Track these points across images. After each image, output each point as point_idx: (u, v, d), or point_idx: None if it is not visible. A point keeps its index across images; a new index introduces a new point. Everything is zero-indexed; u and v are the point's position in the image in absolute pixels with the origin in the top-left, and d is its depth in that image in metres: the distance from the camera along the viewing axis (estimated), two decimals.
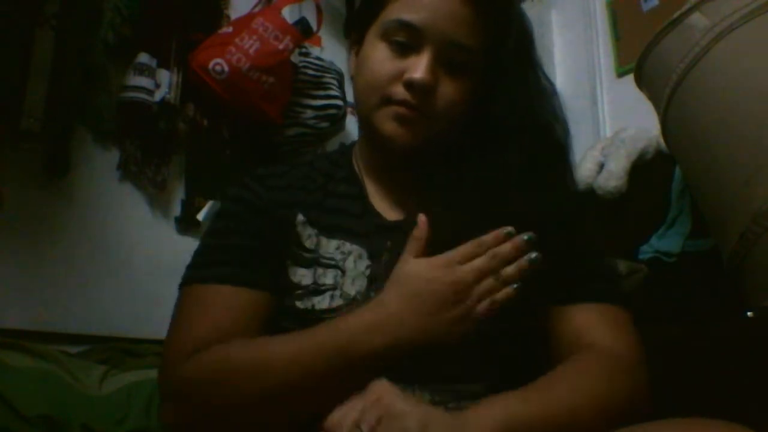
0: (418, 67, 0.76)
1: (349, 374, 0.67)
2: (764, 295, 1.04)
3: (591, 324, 0.76)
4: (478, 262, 0.69)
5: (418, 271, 0.70)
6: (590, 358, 0.72)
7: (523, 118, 0.79)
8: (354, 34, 0.88)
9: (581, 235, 0.82)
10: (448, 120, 0.79)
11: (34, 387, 1.02)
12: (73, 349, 1.29)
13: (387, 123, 0.79)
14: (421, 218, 0.72)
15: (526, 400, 0.64)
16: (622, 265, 1.37)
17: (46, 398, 1.02)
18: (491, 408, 0.62)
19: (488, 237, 0.70)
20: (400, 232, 0.79)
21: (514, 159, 0.78)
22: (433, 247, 0.73)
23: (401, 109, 0.77)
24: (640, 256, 1.43)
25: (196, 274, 0.79)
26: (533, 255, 0.69)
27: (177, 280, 0.82)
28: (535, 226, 0.73)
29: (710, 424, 0.58)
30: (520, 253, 0.69)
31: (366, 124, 0.84)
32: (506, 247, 0.70)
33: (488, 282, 0.69)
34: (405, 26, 0.78)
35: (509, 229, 0.70)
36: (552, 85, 0.85)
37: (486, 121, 0.80)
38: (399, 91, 0.78)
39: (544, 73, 0.85)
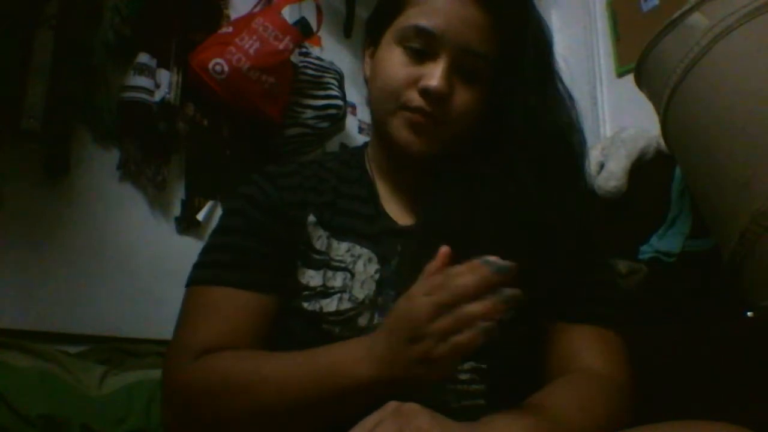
0: (434, 75, 0.76)
1: (341, 401, 0.65)
2: (764, 295, 1.04)
3: (587, 347, 0.76)
4: (437, 295, 0.59)
5: (400, 303, 0.63)
6: (589, 381, 0.72)
7: (537, 126, 0.78)
8: (369, 35, 0.87)
9: (590, 247, 0.82)
10: (462, 127, 0.79)
11: (34, 387, 1.02)
12: (73, 349, 1.29)
13: (401, 130, 0.79)
14: (442, 251, 0.63)
15: (540, 419, 0.63)
16: (622, 265, 1.37)
17: (46, 398, 1.02)
18: (510, 426, 0.61)
19: (462, 266, 0.60)
20: (411, 236, 0.79)
21: (527, 167, 0.77)
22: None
23: (415, 117, 0.77)
24: (640, 256, 1.43)
25: (203, 275, 0.79)
26: (507, 292, 0.58)
27: (177, 279, 0.81)
28: (546, 236, 0.73)
29: (710, 426, 0.58)
30: (487, 285, 0.58)
31: (380, 128, 0.83)
32: (467, 279, 0.58)
33: (446, 320, 0.59)
34: (421, 32, 0.77)
35: (490, 258, 0.59)
36: (569, 93, 0.84)
37: (500, 128, 0.80)
38: (414, 97, 0.77)
39: (562, 82, 0.84)
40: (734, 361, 1.00)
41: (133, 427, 1.08)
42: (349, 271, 0.77)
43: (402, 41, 0.79)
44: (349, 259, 0.78)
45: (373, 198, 0.85)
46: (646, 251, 1.43)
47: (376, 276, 0.77)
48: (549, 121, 0.79)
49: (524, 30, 0.80)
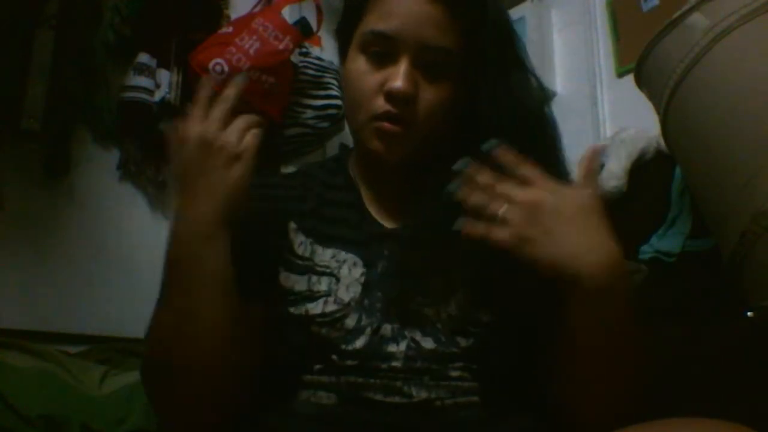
0: (396, 77, 0.76)
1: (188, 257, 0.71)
2: (764, 294, 1.04)
3: None
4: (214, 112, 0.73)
5: None
6: None
7: (510, 115, 0.78)
8: (339, 47, 0.88)
9: None
10: (433, 125, 0.79)
11: (34, 387, 1.03)
12: (73, 349, 1.30)
13: (373, 141, 0.79)
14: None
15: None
16: None
17: (46, 398, 1.02)
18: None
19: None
20: (397, 239, 0.79)
21: None
22: (429, 253, 0.73)
23: (384, 125, 0.77)
24: (640, 256, 1.43)
25: None
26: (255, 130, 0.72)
27: None
28: None
29: (710, 424, 0.58)
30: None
31: (356, 138, 0.85)
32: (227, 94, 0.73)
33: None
34: (379, 36, 0.78)
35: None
36: (537, 78, 0.85)
37: (475, 121, 0.80)
38: (381, 104, 0.77)
39: (529, 67, 0.84)
40: (734, 361, 1.00)
41: (133, 427, 1.08)
42: (334, 276, 0.77)
43: (364, 48, 0.80)
44: (334, 265, 0.78)
45: (359, 203, 0.85)
46: (646, 251, 1.43)
47: (362, 279, 0.77)
48: (519, 109, 0.79)
49: (482, 19, 0.80)
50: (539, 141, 0.80)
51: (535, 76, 0.84)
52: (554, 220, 0.65)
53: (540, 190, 0.67)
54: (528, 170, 0.68)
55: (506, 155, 0.68)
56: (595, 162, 0.69)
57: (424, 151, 0.80)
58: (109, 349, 1.34)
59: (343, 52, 0.87)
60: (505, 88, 0.79)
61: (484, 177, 0.68)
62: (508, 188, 0.67)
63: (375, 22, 0.78)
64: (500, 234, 0.65)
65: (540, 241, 0.65)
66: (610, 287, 0.65)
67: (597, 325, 0.67)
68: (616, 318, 0.67)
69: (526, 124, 0.79)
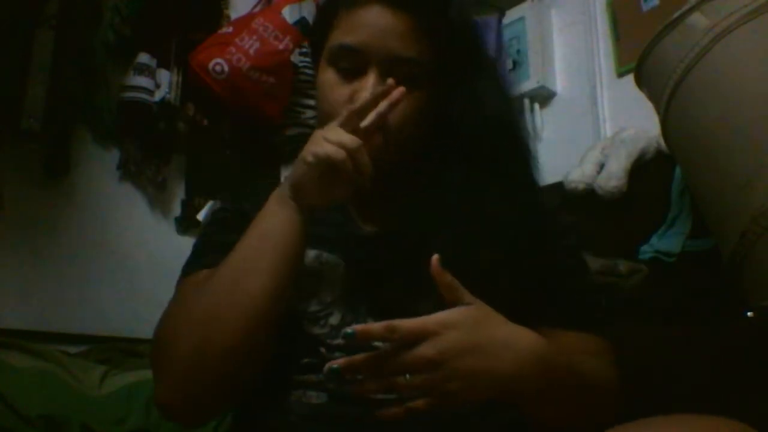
0: (365, 89, 0.76)
1: (275, 244, 0.71)
2: (764, 294, 1.04)
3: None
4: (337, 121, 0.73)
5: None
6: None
7: (478, 120, 0.79)
8: (312, 59, 0.90)
9: (559, 243, 0.83)
10: (406, 134, 0.79)
11: (34, 387, 1.03)
12: (73, 349, 1.30)
13: None
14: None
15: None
16: (623, 265, 1.37)
17: (46, 398, 1.02)
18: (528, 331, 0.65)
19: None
20: (377, 242, 0.81)
21: (482, 165, 0.78)
22: (407, 255, 0.73)
23: None
24: (640, 256, 1.43)
25: (187, 268, 0.81)
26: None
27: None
28: (512, 232, 0.74)
29: (710, 421, 0.58)
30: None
31: None
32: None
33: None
34: (347, 50, 0.78)
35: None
36: (506, 84, 0.85)
37: (450, 127, 0.80)
38: None
39: (498, 73, 0.85)
40: (734, 361, 1.00)
41: (133, 427, 1.08)
42: (317, 276, 0.78)
43: (332, 62, 0.80)
44: (317, 265, 0.79)
45: (341, 207, 0.86)
46: (646, 251, 1.43)
47: (344, 279, 0.78)
48: (485, 115, 0.80)
49: (449, 28, 0.80)
50: (508, 146, 0.81)
51: (504, 81, 0.85)
52: (461, 359, 0.60)
53: (428, 343, 0.60)
54: (402, 329, 0.60)
55: (367, 333, 0.60)
56: (444, 275, 0.63)
57: (398, 158, 0.81)
58: (109, 349, 1.35)
59: (315, 64, 0.87)
60: (473, 94, 0.80)
61: (365, 364, 0.61)
62: (397, 359, 0.60)
63: (342, 36, 0.79)
64: (418, 404, 0.60)
65: (461, 387, 0.60)
66: (549, 374, 0.64)
67: (550, 405, 0.68)
68: (565, 385, 0.68)
69: (494, 129, 0.80)
